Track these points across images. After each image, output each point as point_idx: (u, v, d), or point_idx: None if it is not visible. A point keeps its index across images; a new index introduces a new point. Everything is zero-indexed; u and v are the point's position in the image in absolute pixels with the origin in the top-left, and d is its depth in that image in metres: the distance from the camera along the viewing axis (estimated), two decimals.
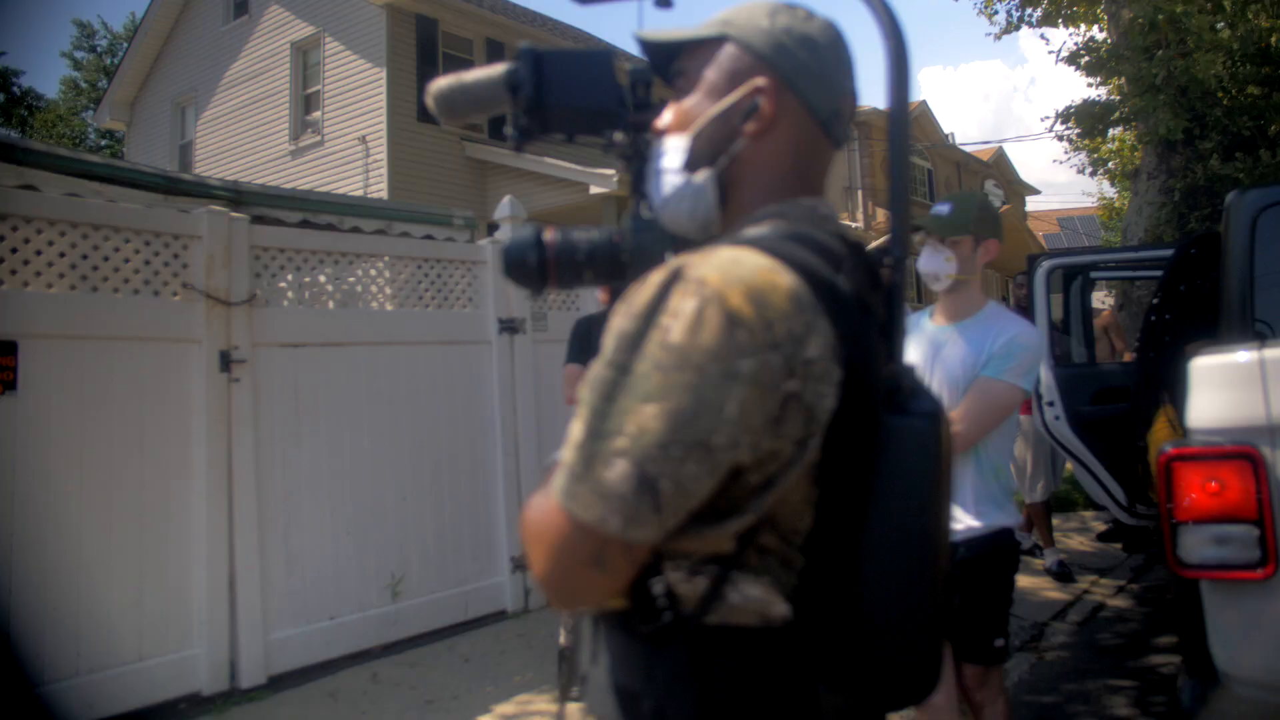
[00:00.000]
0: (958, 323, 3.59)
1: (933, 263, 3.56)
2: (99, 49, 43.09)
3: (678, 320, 1.30)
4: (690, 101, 1.59)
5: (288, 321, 6.08)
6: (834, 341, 1.35)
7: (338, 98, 18.90)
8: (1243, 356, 3.39)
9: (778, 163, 1.56)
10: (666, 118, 1.61)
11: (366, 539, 6.39)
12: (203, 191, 6.55)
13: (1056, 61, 20.95)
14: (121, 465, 5.30)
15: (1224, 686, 3.38)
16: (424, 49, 18.26)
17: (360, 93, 18.41)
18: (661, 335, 1.30)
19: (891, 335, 1.49)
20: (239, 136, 21.16)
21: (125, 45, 39.15)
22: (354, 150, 18.42)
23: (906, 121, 1.56)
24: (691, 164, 1.56)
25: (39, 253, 5.05)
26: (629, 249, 1.58)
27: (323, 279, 6.34)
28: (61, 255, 5.12)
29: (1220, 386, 3.37)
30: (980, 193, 4.08)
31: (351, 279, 6.56)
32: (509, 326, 7.40)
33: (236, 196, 6.60)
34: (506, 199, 7.85)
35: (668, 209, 1.58)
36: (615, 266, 1.60)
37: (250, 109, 20.96)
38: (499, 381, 7.30)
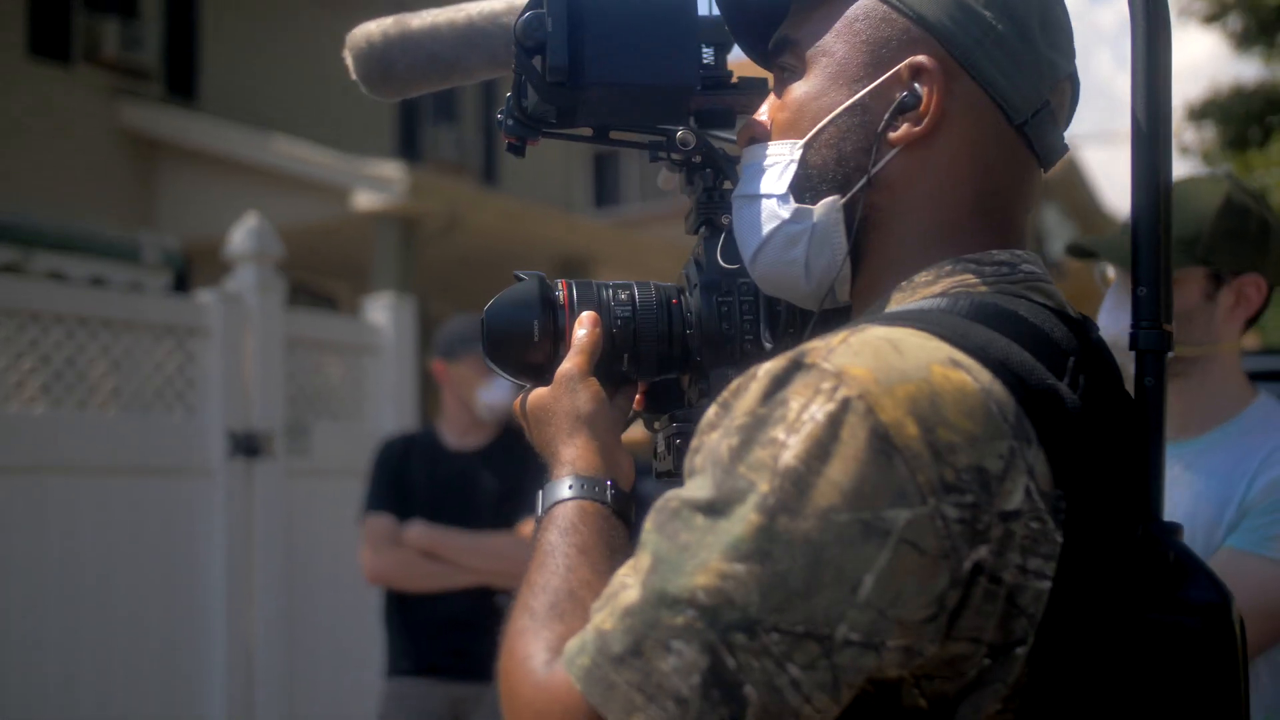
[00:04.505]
0: (1189, 439, 2.70)
1: (1122, 321, 2.33)
2: None
3: (796, 436, 1.02)
4: (803, 89, 1.27)
5: None
6: (1051, 486, 1.08)
7: None
8: None
9: (950, 189, 1.24)
10: (763, 113, 1.31)
11: None
12: None
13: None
14: None
15: None
16: None
17: None
18: (770, 458, 1.03)
19: (1147, 475, 1.23)
20: None
21: None
22: None
23: (1164, 108, 1.29)
24: (806, 187, 1.26)
25: None
26: (699, 319, 1.33)
27: None
28: None
29: None
30: (1225, 179, 2.94)
31: None
32: (246, 445, 5.99)
33: None
34: (248, 219, 6.08)
35: (765, 257, 1.27)
36: (672, 348, 1.34)
37: None
38: (225, 540, 5.99)
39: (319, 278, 13.16)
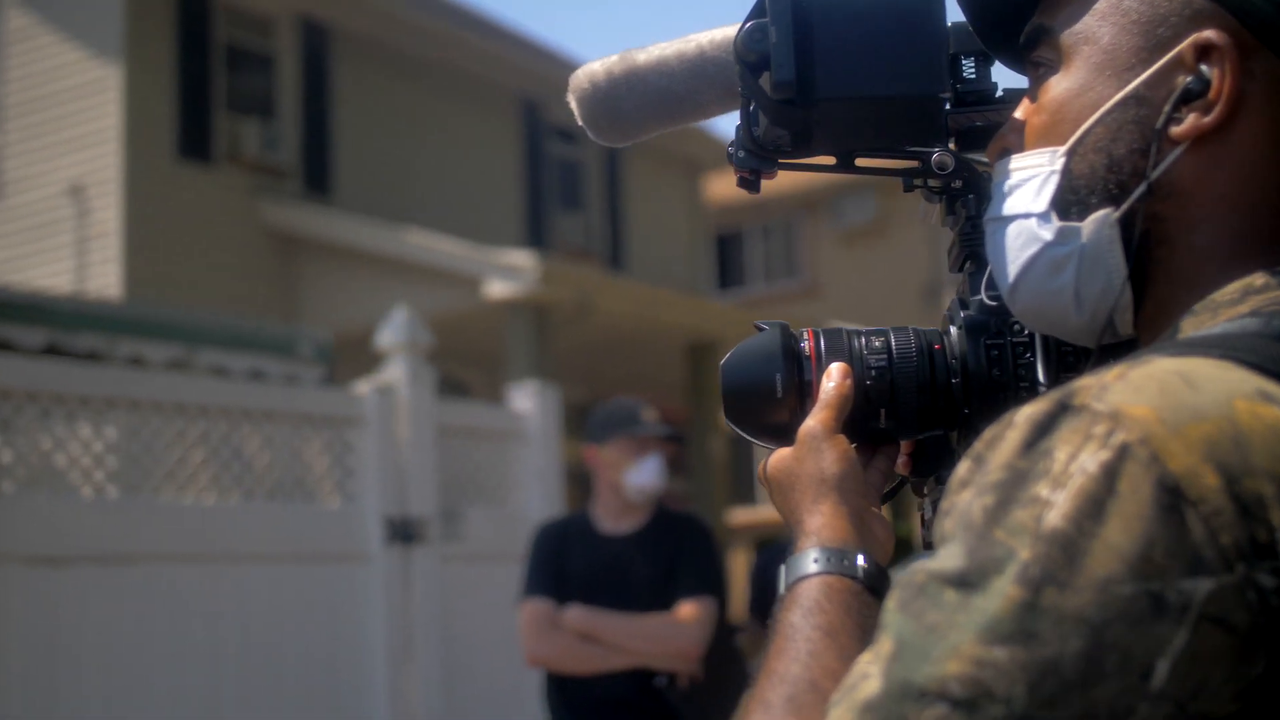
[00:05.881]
0: None
1: None
2: None
3: (1064, 492, 0.84)
4: (1062, 86, 1.08)
5: (42, 520, 5.14)
6: None
7: (31, 112, 13.04)
8: None
9: (1250, 188, 1.03)
10: (1017, 120, 1.12)
11: None
12: None
13: None
14: None
15: None
16: (190, 29, 12.81)
17: (74, 106, 12.71)
18: (1032, 519, 0.84)
19: None
20: None
21: None
22: (58, 207, 12.74)
23: None
24: (1071, 202, 1.07)
25: None
26: (965, 365, 1.16)
27: (78, 446, 5.30)
28: None
29: None
30: None
31: (130, 444, 5.44)
32: (402, 532, 6.11)
33: None
34: (398, 312, 6.33)
35: (1026, 288, 1.09)
36: (936, 400, 1.16)
37: None
38: (384, 624, 6.10)
39: (453, 366, 13.37)
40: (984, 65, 1.22)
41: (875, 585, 1.08)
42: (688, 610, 4.20)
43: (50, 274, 11.98)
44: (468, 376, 13.69)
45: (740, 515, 14.84)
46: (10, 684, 4.98)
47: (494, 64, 14.84)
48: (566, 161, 15.27)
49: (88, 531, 5.21)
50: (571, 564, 4.31)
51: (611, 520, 4.35)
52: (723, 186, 18.43)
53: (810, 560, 1.08)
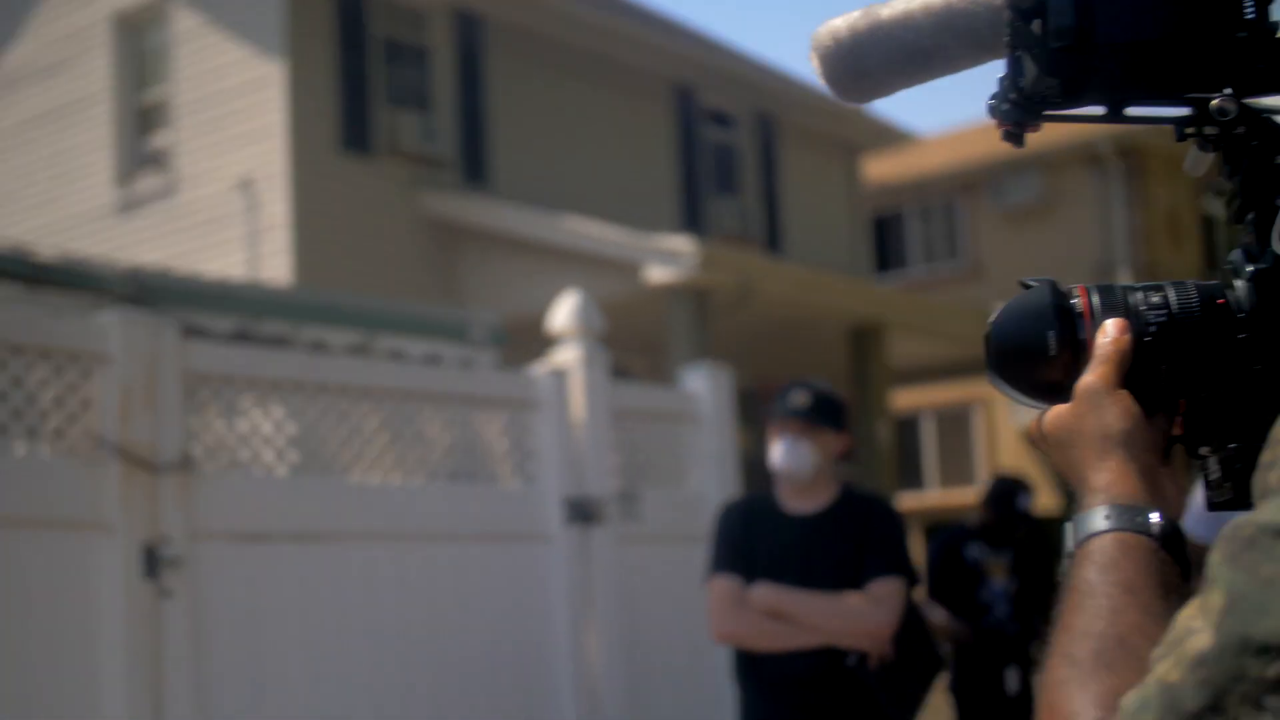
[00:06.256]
0: None
1: None
2: None
3: None
4: None
5: (241, 499, 5.25)
6: None
7: (200, 113, 13.25)
8: None
9: None
10: None
11: None
12: (84, 282, 5.84)
13: None
14: None
15: None
16: (349, 24, 12.96)
17: (240, 102, 12.93)
18: None
19: None
20: (27, 173, 14.66)
21: None
22: (229, 201, 12.97)
23: None
24: None
25: None
26: (1253, 318, 1.09)
27: (270, 427, 5.40)
28: None
29: None
30: None
31: (318, 426, 5.58)
32: (581, 513, 6.12)
33: (135, 291, 5.95)
34: (569, 296, 6.32)
35: None
36: (1220, 355, 1.09)
37: (44, 130, 14.53)
38: (565, 603, 6.17)
39: (615, 351, 13.37)
40: (1265, 4, 1.16)
41: (1170, 543, 1.04)
42: (878, 589, 4.16)
43: (224, 267, 12.26)
44: (629, 362, 13.72)
45: (908, 500, 14.65)
46: (217, 654, 5.13)
47: (646, 50, 14.76)
48: (721, 146, 15.15)
49: (284, 510, 5.32)
50: (757, 543, 4.26)
51: (796, 501, 4.32)
52: (880, 167, 18.05)
53: (1100, 517, 1.05)
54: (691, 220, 14.28)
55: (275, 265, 12.44)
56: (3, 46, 14.89)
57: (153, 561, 4.89)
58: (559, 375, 6.08)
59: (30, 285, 5.68)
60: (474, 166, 13.67)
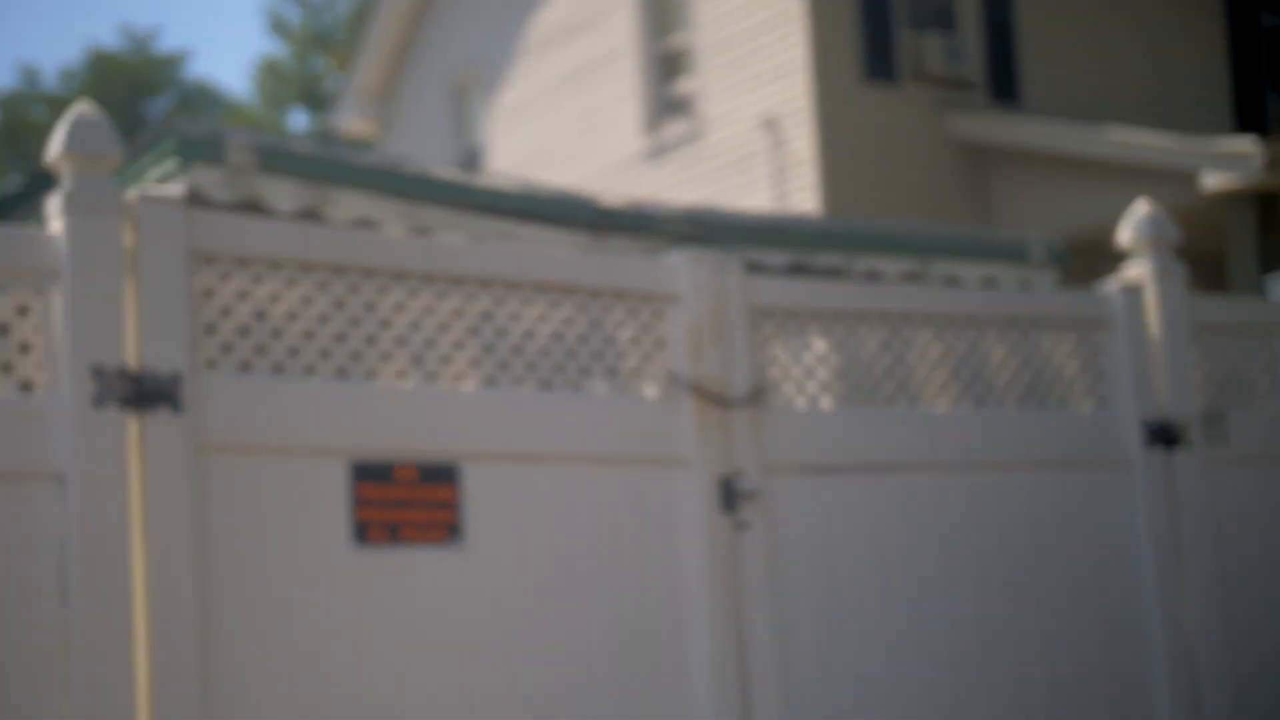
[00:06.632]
0: None
1: None
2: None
3: None
4: None
5: (809, 431, 5.28)
6: None
7: (720, 55, 13.49)
8: None
9: None
10: None
11: None
12: (642, 224, 6.06)
13: None
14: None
15: None
16: None
17: (761, 40, 13.04)
18: None
19: None
20: (556, 131, 15.45)
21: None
22: (754, 140, 13.13)
23: None
24: None
25: (445, 327, 4.57)
26: None
27: (834, 359, 5.44)
28: (474, 331, 4.62)
29: None
30: None
31: (881, 356, 5.54)
32: (1162, 436, 5.74)
33: (691, 231, 6.14)
34: (1138, 207, 5.97)
35: None
36: None
37: (573, 85, 15.20)
38: (1148, 530, 5.82)
39: None
40: None
41: None
42: None
43: (752, 205, 12.54)
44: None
45: None
46: (792, 587, 5.16)
47: None
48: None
49: (851, 441, 5.37)
50: None
51: None
52: None
53: None
54: (1250, 120, 13.20)
55: (802, 200, 12.58)
56: (531, 13, 15.86)
57: (729, 495, 4.97)
58: (1132, 291, 5.75)
59: (595, 231, 5.90)
60: (1003, 83, 13.29)
